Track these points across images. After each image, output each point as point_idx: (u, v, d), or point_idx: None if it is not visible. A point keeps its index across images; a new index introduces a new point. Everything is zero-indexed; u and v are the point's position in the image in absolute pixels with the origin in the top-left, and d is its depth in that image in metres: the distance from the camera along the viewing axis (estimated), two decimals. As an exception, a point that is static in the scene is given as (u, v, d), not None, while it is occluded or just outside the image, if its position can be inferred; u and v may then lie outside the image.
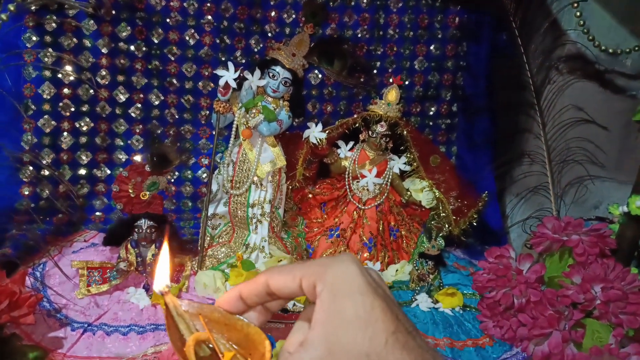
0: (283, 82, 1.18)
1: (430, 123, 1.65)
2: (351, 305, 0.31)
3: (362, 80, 1.38)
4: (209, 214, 1.23)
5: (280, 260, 1.18)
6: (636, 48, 1.38)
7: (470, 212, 1.29)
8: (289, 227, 1.34)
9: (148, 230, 1.13)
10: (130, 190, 1.09)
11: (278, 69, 1.18)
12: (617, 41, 1.41)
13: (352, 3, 1.46)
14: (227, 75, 1.14)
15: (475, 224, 1.33)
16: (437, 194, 1.29)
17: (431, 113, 1.65)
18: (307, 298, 0.35)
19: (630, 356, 0.84)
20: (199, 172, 1.52)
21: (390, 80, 1.50)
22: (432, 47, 1.58)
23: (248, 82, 1.15)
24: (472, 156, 1.68)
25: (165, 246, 0.41)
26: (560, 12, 1.44)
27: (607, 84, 1.49)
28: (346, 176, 1.33)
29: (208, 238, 1.25)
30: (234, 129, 1.18)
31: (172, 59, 1.42)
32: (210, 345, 0.35)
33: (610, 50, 1.39)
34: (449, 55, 1.60)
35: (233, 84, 1.14)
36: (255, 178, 1.20)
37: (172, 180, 1.52)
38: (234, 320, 0.36)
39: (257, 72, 1.15)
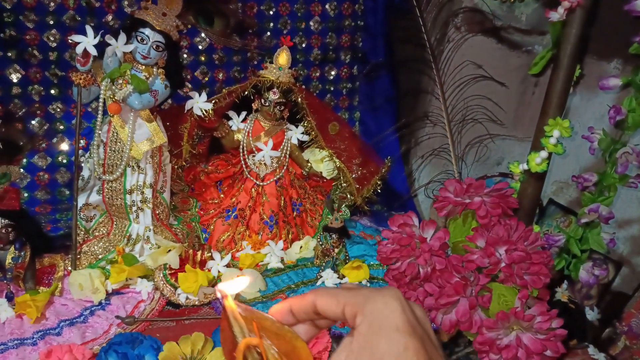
0: (154, 47, 1.02)
1: (331, 88, 1.58)
2: (385, 343, 0.31)
3: (252, 42, 1.24)
4: (80, 205, 1.07)
5: (169, 250, 1.05)
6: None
7: (374, 179, 1.22)
8: (181, 212, 1.20)
9: (3, 230, 0.96)
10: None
11: (147, 31, 1.01)
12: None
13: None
14: (85, 41, 0.96)
15: (380, 190, 1.27)
16: (337, 163, 1.21)
17: (331, 77, 1.57)
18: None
19: (536, 317, 0.82)
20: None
21: (294, 38, 1.40)
22: (327, 6, 1.48)
23: (111, 48, 0.98)
24: (375, 120, 1.63)
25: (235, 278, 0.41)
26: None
27: (503, 39, 1.46)
28: (241, 150, 1.21)
29: (82, 232, 1.09)
30: (100, 104, 1.01)
31: (31, 26, 1.21)
32: (259, 351, 0.36)
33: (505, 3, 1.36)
34: (345, 14, 1.51)
35: (93, 51, 0.97)
36: (131, 160, 1.04)
37: (44, 167, 1.33)
38: (284, 331, 0.37)
39: (122, 36, 0.98)
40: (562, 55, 0.97)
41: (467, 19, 1.48)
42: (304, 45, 1.47)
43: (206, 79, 1.41)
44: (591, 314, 1.02)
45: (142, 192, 1.06)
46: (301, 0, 1.43)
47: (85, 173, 1.09)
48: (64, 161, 1.34)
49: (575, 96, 1.23)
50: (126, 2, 1.29)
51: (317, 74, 1.54)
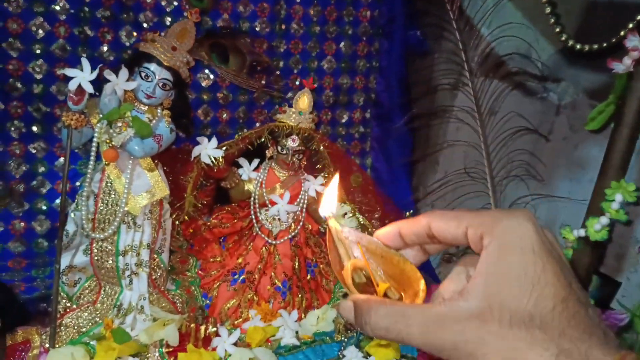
0: (161, 85, 0.88)
1: (343, 132, 1.45)
2: (520, 263, 0.30)
3: (265, 82, 1.11)
4: (63, 267, 0.89)
5: (167, 323, 0.88)
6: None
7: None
8: (178, 274, 1.03)
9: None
10: None
11: (153, 67, 0.87)
12: (529, 40, 1.31)
13: (247, -11, 1.20)
14: (80, 76, 0.82)
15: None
16: (361, 219, 1.07)
17: (343, 121, 1.45)
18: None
19: None
20: (57, 201, 1.15)
21: (298, 82, 1.27)
22: (342, 45, 1.37)
23: (111, 85, 0.84)
24: (388, 168, 1.52)
25: (336, 176, 0.41)
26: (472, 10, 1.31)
27: (519, 85, 1.39)
28: (251, 203, 1.06)
29: (64, 300, 0.91)
30: (93, 149, 0.86)
31: (14, 55, 1.06)
32: (366, 273, 0.35)
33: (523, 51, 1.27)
34: (360, 54, 1.41)
35: (89, 88, 0.82)
36: (127, 215, 0.88)
37: (20, 215, 1.15)
38: (391, 255, 0.36)
39: (124, 72, 0.84)
40: (627, 111, 0.86)
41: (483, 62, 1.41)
42: (315, 85, 1.36)
43: (208, 119, 1.27)
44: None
45: (138, 254, 0.90)
46: (314, 38, 1.32)
47: (70, 228, 0.92)
48: (44, 207, 1.16)
49: (595, 147, 1.13)
50: (124, 33, 1.15)
51: (328, 117, 1.41)
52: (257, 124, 1.28)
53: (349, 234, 0.36)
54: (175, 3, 1.14)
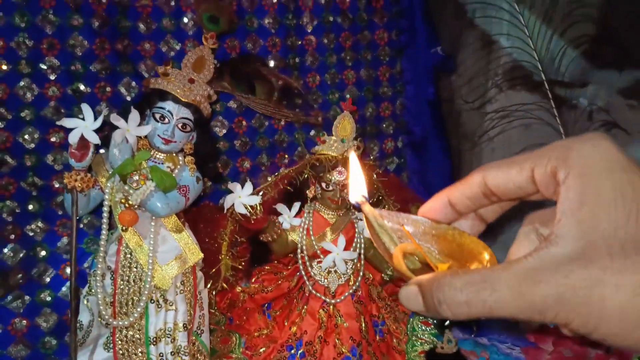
0: (180, 126, 0.72)
1: (376, 166, 1.30)
2: (612, 185, 0.26)
3: (300, 108, 0.97)
4: (79, 369, 0.70)
5: None
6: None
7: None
8: (221, 357, 0.83)
9: None
10: None
11: (169, 105, 0.72)
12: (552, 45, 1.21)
13: (255, 25, 1.08)
14: (82, 125, 0.66)
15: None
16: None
17: (375, 153, 1.31)
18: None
19: None
20: (64, 289, 0.97)
21: (329, 112, 1.14)
22: (362, 72, 1.25)
23: (120, 132, 0.68)
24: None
25: (355, 159, 0.36)
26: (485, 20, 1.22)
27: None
28: (298, 256, 0.87)
29: (83, 412, 0.71)
30: (104, 215, 0.69)
31: (1, 125, 0.92)
32: (419, 257, 0.32)
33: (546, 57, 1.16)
34: (382, 79, 1.28)
35: (94, 139, 0.67)
36: (155, 292, 0.70)
37: (21, 312, 0.96)
38: (443, 230, 0.33)
39: (134, 114, 0.69)
40: None
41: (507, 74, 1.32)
42: (355, 107, 1.23)
43: (227, 171, 1.12)
44: None
45: (174, 339, 0.71)
46: (332, 68, 1.19)
47: (84, 319, 0.73)
48: (48, 299, 0.97)
49: None
50: (123, 89, 1.02)
51: (359, 151, 1.27)
52: (282, 169, 1.13)
53: (390, 217, 0.33)
54: (177, 47, 1.01)
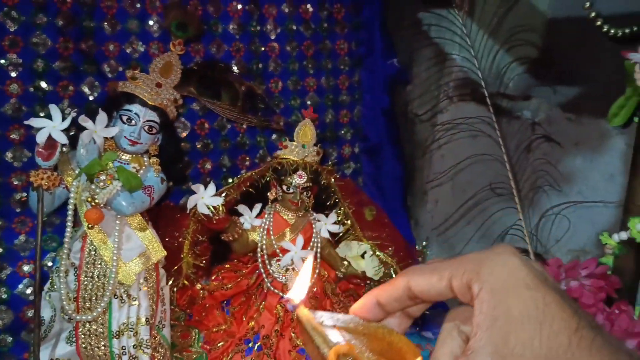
0: (146, 128, 0.75)
1: (334, 170, 1.36)
2: (519, 304, 0.27)
3: (263, 113, 1.00)
4: (41, 363, 0.72)
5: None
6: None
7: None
8: (181, 351, 0.86)
9: None
10: None
11: (136, 108, 0.75)
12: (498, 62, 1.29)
13: (220, 30, 1.11)
14: (50, 126, 0.68)
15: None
16: (383, 257, 0.95)
17: (333, 158, 1.36)
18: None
19: None
20: (20, 286, 0.97)
21: (282, 123, 1.17)
22: (322, 80, 1.30)
23: (88, 133, 0.70)
24: (383, 203, 1.43)
25: (310, 259, 0.38)
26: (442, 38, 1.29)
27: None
28: (258, 255, 0.92)
29: (44, 405, 0.73)
30: (69, 213, 0.71)
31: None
32: (353, 359, 0.32)
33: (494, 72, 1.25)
34: (342, 88, 1.34)
35: (62, 139, 0.68)
36: (118, 287, 0.72)
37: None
38: (374, 328, 0.34)
39: (102, 116, 0.71)
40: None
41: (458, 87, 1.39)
42: (317, 115, 1.28)
43: (188, 171, 1.14)
44: None
45: (136, 333, 0.73)
46: (295, 77, 1.23)
47: (45, 314, 0.75)
48: (4, 296, 0.97)
49: (577, 158, 1.11)
50: (86, 88, 1.02)
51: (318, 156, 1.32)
52: (243, 171, 1.16)
53: (323, 318, 0.33)
54: (142, 49, 1.03)
